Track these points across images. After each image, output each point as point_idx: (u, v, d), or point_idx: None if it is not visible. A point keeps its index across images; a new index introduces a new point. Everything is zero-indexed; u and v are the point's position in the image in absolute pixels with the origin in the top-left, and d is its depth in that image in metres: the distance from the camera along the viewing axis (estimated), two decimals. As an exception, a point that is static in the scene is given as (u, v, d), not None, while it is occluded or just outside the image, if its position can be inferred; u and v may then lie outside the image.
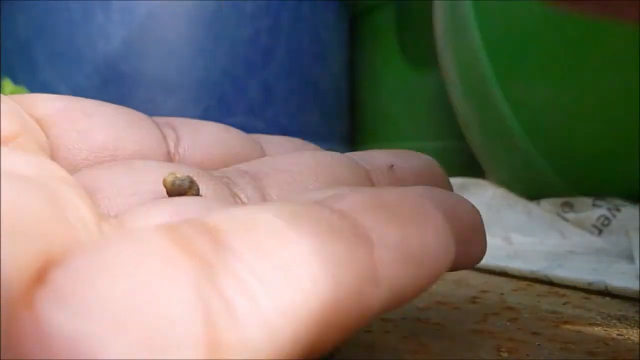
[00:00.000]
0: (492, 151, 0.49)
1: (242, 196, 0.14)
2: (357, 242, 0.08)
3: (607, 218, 0.42)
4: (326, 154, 0.17)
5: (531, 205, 0.45)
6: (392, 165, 0.17)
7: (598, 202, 0.43)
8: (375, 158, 0.18)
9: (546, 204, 0.45)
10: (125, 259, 0.06)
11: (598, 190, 0.43)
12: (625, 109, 0.38)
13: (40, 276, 0.06)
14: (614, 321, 0.22)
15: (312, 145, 0.21)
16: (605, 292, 0.26)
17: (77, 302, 0.06)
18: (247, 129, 0.64)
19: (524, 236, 0.44)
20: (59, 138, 0.14)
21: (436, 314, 0.22)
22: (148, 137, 0.15)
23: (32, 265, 0.06)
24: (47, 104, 0.14)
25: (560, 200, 0.45)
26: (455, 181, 0.46)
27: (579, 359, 0.17)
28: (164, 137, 0.16)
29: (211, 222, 0.07)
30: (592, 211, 0.43)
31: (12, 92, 0.51)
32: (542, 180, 0.45)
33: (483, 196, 0.46)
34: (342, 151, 0.61)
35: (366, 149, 0.65)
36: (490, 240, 0.44)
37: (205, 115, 0.56)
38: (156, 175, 0.13)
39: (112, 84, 0.55)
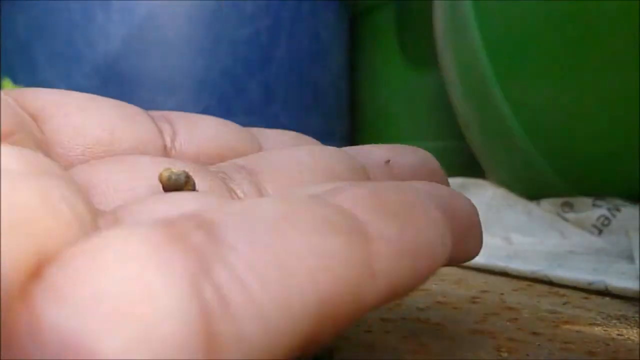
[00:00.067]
0: (492, 151, 0.49)
1: (238, 191, 0.14)
2: (354, 236, 0.08)
3: (607, 218, 0.42)
4: (323, 149, 0.17)
5: (531, 205, 0.45)
6: (388, 161, 0.17)
7: (598, 202, 0.43)
8: (372, 153, 0.18)
9: (546, 204, 0.45)
10: (120, 255, 0.06)
11: (598, 190, 0.43)
12: (625, 109, 0.38)
13: (36, 272, 0.06)
14: (614, 321, 0.22)
15: (309, 139, 0.21)
16: (605, 292, 0.26)
17: (73, 299, 0.06)
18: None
19: (524, 236, 0.44)
20: (54, 134, 0.14)
21: (436, 314, 0.22)
22: (144, 131, 0.15)
23: (27, 261, 0.06)
24: (42, 99, 0.14)
25: (560, 200, 0.45)
26: (455, 181, 0.46)
27: (579, 359, 0.17)
28: (160, 132, 0.16)
29: (207, 216, 0.07)
30: (592, 211, 0.43)
31: (12, 92, 0.51)
32: (542, 180, 0.45)
33: (483, 196, 0.46)
34: (342, 151, 0.60)
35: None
36: (490, 240, 0.44)
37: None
38: (152, 170, 0.13)
39: (112, 84, 0.55)
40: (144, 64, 0.57)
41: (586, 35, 0.38)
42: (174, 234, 0.07)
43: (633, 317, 0.22)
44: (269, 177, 0.15)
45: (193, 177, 0.13)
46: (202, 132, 0.17)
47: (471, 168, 0.53)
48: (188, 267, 0.06)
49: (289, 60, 0.62)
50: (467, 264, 0.34)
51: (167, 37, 0.57)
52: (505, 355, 0.17)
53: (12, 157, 0.09)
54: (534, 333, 0.20)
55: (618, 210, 0.42)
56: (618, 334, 0.20)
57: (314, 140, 0.21)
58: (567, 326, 0.21)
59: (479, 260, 0.33)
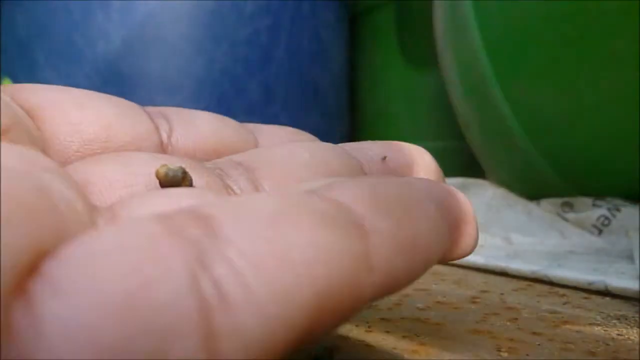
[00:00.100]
0: (492, 151, 0.49)
1: (235, 188, 0.14)
2: (351, 230, 0.08)
3: (607, 218, 0.42)
4: (320, 145, 0.17)
5: (531, 205, 0.45)
6: (385, 157, 0.17)
7: (598, 202, 0.43)
8: (369, 150, 0.18)
9: (546, 204, 0.45)
10: (118, 248, 0.06)
11: (598, 190, 0.43)
12: (625, 109, 0.38)
13: (33, 267, 0.06)
14: (614, 321, 0.22)
15: (306, 134, 0.21)
16: (605, 292, 0.26)
17: (72, 292, 0.06)
18: (247, 129, 0.63)
19: (524, 236, 0.44)
20: (51, 130, 0.14)
21: (436, 314, 0.22)
22: (140, 127, 0.15)
23: (24, 256, 0.06)
24: (38, 95, 0.14)
25: (560, 200, 0.45)
26: (455, 181, 0.46)
27: (579, 359, 0.17)
28: (157, 128, 0.16)
29: (204, 210, 0.07)
30: (592, 211, 0.43)
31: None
32: (542, 180, 0.45)
33: (483, 196, 0.46)
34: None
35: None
36: (490, 240, 0.44)
37: (205, 115, 0.56)
38: (148, 167, 0.13)
39: (112, 84, 0.55)
40: (144, 64, 0.57)
41: (586, 35, 0.38)
42: (172, 228, 0.07)
43: (633, 317, 0.22)
44: (266, 174, 0.15)
45: (190, 173, 0.13)
46: (198, 128, 0.16)
47: (471, 168, 0.53)
48: (186, 260, 0.06)
49: (289, 60, 0.62)
50: (467, 264, 0.34)
51: (167, 37, 0.57)
52: (505, 355, 0.17)
53: (9, 154, 0.09)
54: (534, 333, 0.20)
55: (618, 210, 0.42)
56: (618, 334, 0.20)
57: (311, 136, 0.21)
58: (567, 326, 0.21)
59: (479, 260, 0.33)
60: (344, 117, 0.75)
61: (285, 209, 0.08)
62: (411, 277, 0.10)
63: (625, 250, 0.37)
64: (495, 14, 0.43)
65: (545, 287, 0.28)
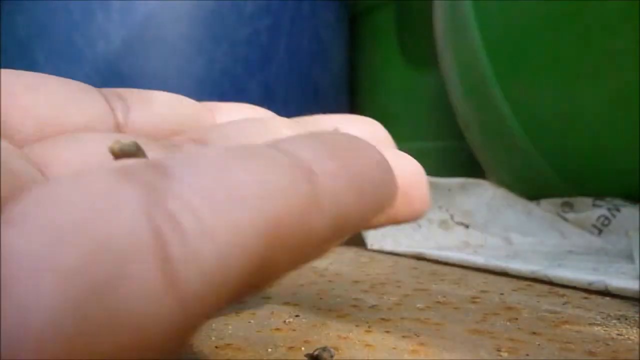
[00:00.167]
0: (492, 151, 0.49)
1: None
2: (298, 169, 0.08)
3: (607, 218, 0.42)
4: (275, 119, 0.17)
5: (531, 205, 0.45)
6: (336, 128, 0.18)
7: (598, 202, 0.43)
8: (322, 122, 0.18)
9: (546, 204, 0.45)
10: (73, 187, 0.07)
11: (598, 190, 0.43)
12: (625, 109, 0.38)
13: None
14: (613, 321, 0.22)
15: (265, 111, 0.21)
16: (605, 292, 0.26)
17: (26, 222, 0.06)
18: (247, 129, 0.63)
19: (524, 236, 0.44)
20: (4, 114, 0.14)
21: (436, 314, 0.22)
22: (95, 109, 0.15)
23: None
24: None
25: (560, 200, 0.45)
26: (455, 181, 0.46)
27: (579, 359, 0.17)
28: (112, 109, 0.16)
29: (156, 161, 0.08)
30: (592, 211, 0.43)
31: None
32: (542, 180, 0.45)
33: (483, 196, 0.46)
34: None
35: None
36: (490, 240, 0.44)
37: (205, 115, 0.56)
38: (103, 145, 0.13)
39: (112, 84, 0.55)
40: (144, 64, 0.57)
41: (586, 35, 0.38)
42: (125, 173, 0.07)
43: (633, 317, 0.22)
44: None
45: (144, 150, 0.13)
46: (155, 108, 0.17)
47: (471, 168, 0.54)
48: (140, 197, 0.07)
49: (289, 60, 0.62)
50: (467, 264, 0.34)
51: (167, 37, 0.57)
52: (505, 355, 0.17)
53: None
54: (534, 333, 0.20)
55: (618, 210, 0.42)
56: (618, 334, 0.20)
57: (270, 112, 0.21)
58: (567, 326, 0.21)
59: (479, 260, 0.33)
60: (344, 117, 0.75)
61: (235, 154, 0.08)
62: (362, 216, 0.10)
63: (625, 250, 0.37)
64: (495, 14, 0.43)
65: (545, 287, 0.28)
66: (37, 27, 0.57)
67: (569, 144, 0.42)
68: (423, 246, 0.41)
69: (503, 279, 0.30)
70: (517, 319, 0.22)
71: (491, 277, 0.31)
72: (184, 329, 0.07)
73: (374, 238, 0.42)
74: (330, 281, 0.29)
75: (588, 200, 0.43)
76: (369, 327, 0.20)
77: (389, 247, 0.41)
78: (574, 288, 0.28)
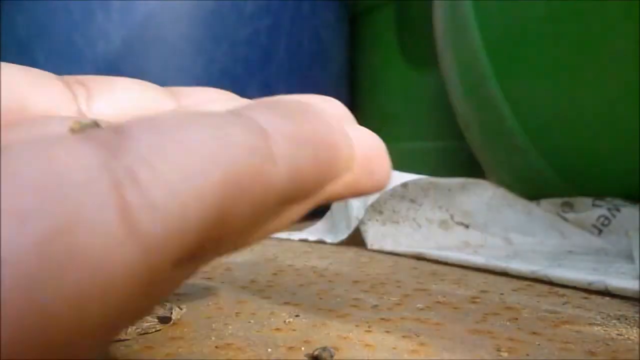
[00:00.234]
0: (492, 151, 0.49)
1: None
2: (252, 128, 0.09)
3: (607, 218, 0.42)
4: (236, 99, 0.18)
5: (531, 205, 0.45)
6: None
7: (598, 202, 0.43)
8: (282, 100, 0.19)
9: (546, 204, 0.45)
10: (36, 147, 0.07)
11: (598, 190, 0.43)
12: (625, 109, 0.38)
13: None
14: (613, 321, 0.22)
15: (229, 94, 0.21)
16: (605, 292, 0.26)
17: None
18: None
19: (524, 236, 0.44)
20: None
21: (436, 314, 0.22)
22: (56, 96, 0.15)
23: None
24: None
25: (560, 200, 0.45)
26: (455, 181, 0.46)
27: (578, 359, 0.17)
28: (74, 96, 0.16)
29: (115, 124, 0.08)
30: (592, 211, 0.43)
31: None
32: (542, 180, 0.45)
33: (483, 196, 0.46)
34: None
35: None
36: (490, 240, 0.43)
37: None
38: (63, 127, 0.13)
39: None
40: (144, 64, 0.57)
41: (586, 35, 0.38)
42: (83, 135, 0.07)
43: (633, 317, 0.22)
44: None
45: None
46: (117, 94, 0.17)
47: (471, 168, 0.54)
48: (98, 152, 0.07)
49: (289, 60, 0.62)
50: (467, 264, 0.34)
51: (167, 37, 0.57)
52: (505, 355, 0.17)
53: None
54: (534, 333, 0.20)
55: (618, 210, 0.42)
56: (618, 334, 0.20)
57: (234, 95, 0.21)
58: (567, 326, 0.21)
59: (479, 260, 0.33)
60: (344, 117, 0.75)
61: (190, 116, 0.08)
62: (318, 174, 0.10)
63: (625, 250, 0.37)
64: (495, 14, 0.43)
65: (545, 287, 0.28)
66: (37, 27, 0.57)
67: (569, 144, 0.42)
68: (423, 246, 0.41)
69: (503, 279, 0.30)
70: (517, 319, 0.22)
71: (491, 277, 0.31)
72: (148, 275, 0.07)
73: (374, 238, 0.42)
74: (330, 281, 0.29)
75: (588, 200, 0.43)
76: (369, 327, 0.20)
77: (389, 247, 0.41)
78: (574, 288, 0.28)
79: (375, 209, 0.43)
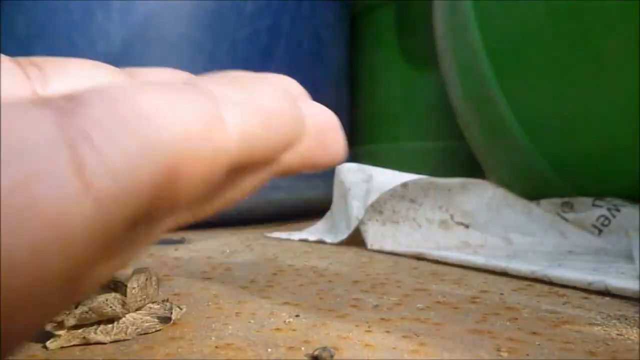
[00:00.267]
0: (492, 151, 0.49)
1: None
2: (204, 96, 0.09)
3: (607, 218, 0.42)
4: (191, 78, 0.18)
5: (531, 205, 0.45)
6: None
7: (598, 202, 0.43)
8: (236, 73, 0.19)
9: (546, 204, 0.45)
10: None
11: (598, 190, 0.43)
12: (625, 109, 0.38)
13: None
14: (613, 321, 0.22)
15: (185, 73, 0.21)
16: (605, 292, 0.26)
17: None
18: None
19: (524, 236, 0.44)
20: None
21: (436, 314, 0.22)
22: (10, 78, 0.16)
23: None
24: None
25: (560, 200, 0.45)
26: (455, 181, 0.46)
27: (578, 359, 0.17)
28: (28, 77, 0.16)
29: (69, 92, 0.09)
30: (592, 211, 0.43)
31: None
32: (542, 180, 0.45)
33: (483, 196, 0.46)
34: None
35: (366, 149, 0.65)
36: (490, 240, 0.43)
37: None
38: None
39: (112, 84, 0.55)
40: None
41: (586, 35, 0.38)
42: (37, 101, 0.08)
43: (633, 317, 0.22)
44: None
45: None
46: (73, 74, 0.17)
47: (471, 168, 0.54)
48: (53, 115, 0.07)
49: (288, 60, 0.62)
50: (467, 264, 0.34)
51: (167, 37, 0.57)
52: (505, 355, 0.17)
53: None
54: (534, 333, 0.20)
55: (618, 210, 0.42)
56: (618, 334, 0.20)
57: (190, 74, 0.22)
58: (567, 326, 0.21)
59: (479, 260, 0.33)
60: (343, 117, 0.75)
61: (142, 84, 0.09)
62: (268, 143, 0.11)
63: (625, 250, 0.37)
64: (495, 14, 0.43)
65: (545, 287, 0.28)
66: (37, 27, 0.57)
67: (569, 144, 0.42)
68: (423, 246, 0.41)
69: (503, 279, 0.30)
70: (517, 319, 0.22)
71: (491, 277, 0.31)
72: (104, 230, 0.07)
73: (374, 238, 0.42)
74: (330, 281, 0.29)
75: (588, 200, 0.43)
76: (369, 327, 0.20)
77: (389, 247, 0.41)
78: (574, 288, 0.28)
79: (375, 209, 0.43)
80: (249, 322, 0.21)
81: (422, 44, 0.68)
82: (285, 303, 0.24)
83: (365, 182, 0.44)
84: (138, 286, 0.19)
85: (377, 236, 0.42)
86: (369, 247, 0.41)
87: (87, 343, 0.18)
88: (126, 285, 0.19)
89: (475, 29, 0.44)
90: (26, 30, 0.57)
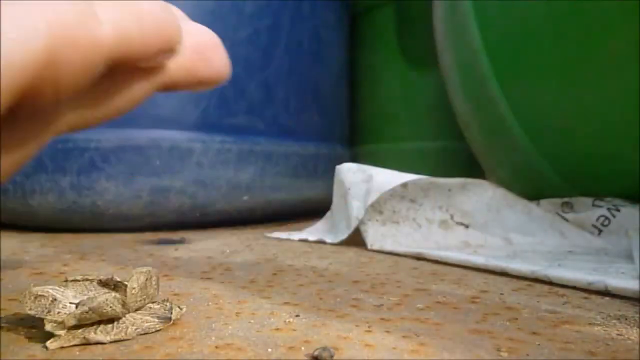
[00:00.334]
0: (492, 151, 0.49)
1: None
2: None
3: (607, 218, 0.42)
4: None
5: (531, 205, 0.45)
6: None
7: (598, 202, 0.43)
8: None
9: (546, 204, 0.45)
10: None
11: (598, 190, 0.43)
12: (625, 109, 0.38)
13: None
14: (613, 321, 0.22)
15: None
16: (605, 292, 0.26)
17: None
18: (247, 128, 0.63)
19: (524, 236, 0.44)
20: None
21: (436, 314, 0.22)
22: None
23: None
24: None
25: (560, 200, 0.45)
26: (455, 181, 0.46)
27: (578, 359, 0.17)
28: None
29: None
30: (592, 211, 0.43)
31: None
32: (542, 180, 0.45)
33: (483, 196, 0.46)
34: (342, 152, 0.62)
35: (366, 149, 0.65)
36: (490, 240, 0.43)
37: (205, 115, 0.56)
38: None
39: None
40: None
41: (586, 35, 0.38)
42: None
43: (633, 317, 0.22)
44: None
45: None
46: None
47: (471, 168, 0.54)
48: None
49: (288, 60, 0.62)
50: (467, 263, 0.34)
51: (167, 37, 0.57)
52: (505, 355, 0.17)
53: None
54: (534, 333, 0.20)
55: (618, 210, 0.42)
56: (618, 334, 0.20)
57: None
58: (567, 326, 0.21)
59: (479, 260, 0.33)
60: (343, 117, 0.75)
61: None
62: (143, 42, 0.11)
63: (625, 250, 0.37)
64: (495, 14, 0.43)
65: (545, 287, 0.28)
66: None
67: (569, 144, 0.42)
68: (423, 246, 0.41)
69: (503, 279, 0.30)
70: (517, 319, 0.22)
71: (491, 277, 0.31)
72: None
73: (374, 238, 0.42)
74: (330, 281, 0.29)
75: (588, 200, 0.43)
76: (369, 327, 0.20)
77: (389, 247, 0.41)
78: (574, 288, 0.28)
79: (375, 209, 0.43)
80: (249, 322, 0.21)
81: (422, 44, 0.68)
82: (285, 303, 0.24)
83: (365, 182, 0.44)
84: (138, 286, 0.20)
85: (377, 236, 0.42)
86: (369, 247, 0.41)
87: (87, 343, 0.18)
88: (126, 285, 0.19)
89: (475, 29, 0.44)
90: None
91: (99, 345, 0.18)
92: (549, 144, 0.43)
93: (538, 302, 0.25)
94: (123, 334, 0.18)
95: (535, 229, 0.44)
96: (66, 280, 0.20)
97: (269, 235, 0.50)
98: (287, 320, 0.21)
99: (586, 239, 0.42)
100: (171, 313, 0.20)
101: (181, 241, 0.46)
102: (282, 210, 0.63)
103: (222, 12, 0.57)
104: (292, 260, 0.36)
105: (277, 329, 0.20)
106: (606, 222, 0.42)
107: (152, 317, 0.20)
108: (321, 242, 0.45)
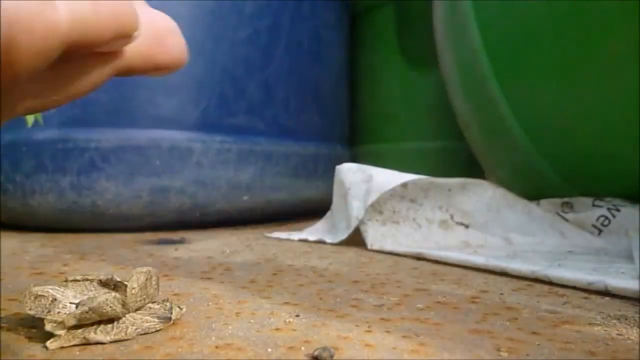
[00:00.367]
0: (492, 151, 0.49)
1: None
2: None
3: (607, 218, 0.42)
4: None
5: (531, 205, 0.45)
6: None
7: (598, 202, 0.43)
8: None
9: (546, 204, 0.45)
10: None
11: (598, 190, 0.43)
12: (625, 109, 0.38)
13: None
14: (613, 321, 0.22)
15: None
16: (605, 292, 0.26)
17: None
18: (247, 128, 0.63)
19: (524, 236, 0.44)
20: None
21: (436, 314, 0.22)
22: None
23: None
24: None
25: (560, 200, 0.45)
26: (455, 181, 0.46)
27: (578, 359, 0.17)
28: None
29: None
30: (592, 211, 0.43)
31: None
32: (542, 180, 0.45)
33: (483, 196, 0.46)
34: (342, 152, 0.62)
35: (366, 149, 0.65)
36: (490, 240, 0.43)
37: (205, 115, 0.56)
38: None
39: (112, 84, 0.55)
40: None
41: (586, 35, 0.38)
42: None
43: (633, 317, 0.22)
44: None
45: None
46: None
47: (471, 168, 0.54)
48: None
49: (288, 60, 0.62)
50: (467, 263, 0.34)
51: (167, 37, 0.57)
52: (505, 355, 0.17)
53: None
54: (534, 333, 0.20)
55: (618, 210, 0.42)
56: (618, 334, 0.20)
57: None
58: (567, 326, 0.21)
59: (479, 260, 0.33)
60: (343, 117, 0.75)
61: None
62: (99, 26, 0.12)
63: (625, 250, 0.37)
64: (495, 14, 0.43)
65: (545, 287, 0.28)
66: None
67: (569, 144, 0.42)
68: (423, 246, 0.41)
69: (503, 279, 0.30)
70: (517, 319, 0.22)
71: (491, 277, 0.31)
72: None
73: (374, 238, 0.42)
74: (330, 281, 0.29)
75: (588, 200, 0.43)
76: (369, 327, 0.20)
77: (389, 247, 0.41)
78: (574, 288, 0.28)
79: (375, 209, 0.44)
80: (249, 322, 0.21)
81: (422, 44, 0.68)
82: (285, 303, 0.24)
83: (365, 182, 0.44)
84: (138, 286, 0.19)
85: (377, 236, 0.42)
86: (369, 247, 0.41)
87: (87, 343, 0.18)
88: (126, 285, 0.19)
89: (475, 29, 0.44)
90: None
91: (99, 345, 0.18)
92: (549, 144, 0.43)
93: (538, 302, 0.25)
94: (123, 334, 0.18)
95: (535, 229, 0.44)
96: (66, 280, 0.20)
97: (269, 235, 0.50)
98: (287, 320, 0.21)
99: (586, 239, 0.42)
100: (171, 313, 0.20)
101: (181, 241, 0.46)
102: (282, 210, 0.63)
103: (222, 12, 0.57)
104: (292, 260, 0.36)
105: (277, 329, 0.20)
106: (606, 222, 0.42)
107: (152, 317, 0.20)
108: (321, 242, 0.45)
